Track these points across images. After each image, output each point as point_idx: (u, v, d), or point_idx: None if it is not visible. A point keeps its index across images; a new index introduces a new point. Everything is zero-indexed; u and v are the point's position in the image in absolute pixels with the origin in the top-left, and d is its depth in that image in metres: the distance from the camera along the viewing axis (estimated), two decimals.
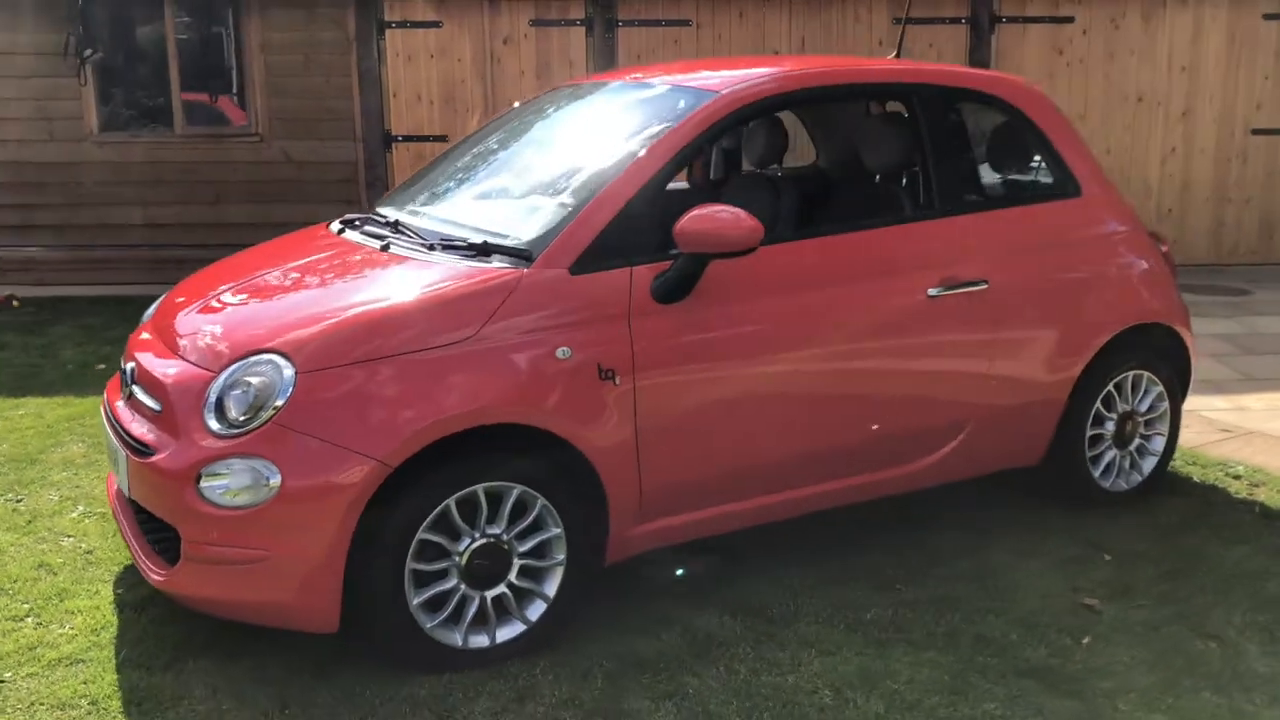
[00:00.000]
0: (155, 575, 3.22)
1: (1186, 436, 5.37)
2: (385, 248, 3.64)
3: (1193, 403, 5.82)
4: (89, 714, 3.01)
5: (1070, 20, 9.60)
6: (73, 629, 3.44)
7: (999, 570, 3.96)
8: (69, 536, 4.11)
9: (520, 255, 3.36)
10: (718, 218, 3.33)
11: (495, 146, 4.27)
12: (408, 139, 9.65)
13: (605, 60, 9.55)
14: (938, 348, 3.94)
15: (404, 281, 3.36)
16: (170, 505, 3.12)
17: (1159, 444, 4.61)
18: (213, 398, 3.12)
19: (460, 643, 3.24)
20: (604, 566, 3.53)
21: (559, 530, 3.33)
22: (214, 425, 3.09)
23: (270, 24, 9.51)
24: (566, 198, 3.54)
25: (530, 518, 3.28)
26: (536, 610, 3.35)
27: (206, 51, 9.69)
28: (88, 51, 9.29)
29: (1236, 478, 4.90)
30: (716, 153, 5.29)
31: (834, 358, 3.73)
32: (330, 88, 9.61)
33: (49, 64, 9.41)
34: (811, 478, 3.82)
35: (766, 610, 3.64)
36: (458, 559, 3.21)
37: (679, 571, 3.83)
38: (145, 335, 3.71)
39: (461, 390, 3.13)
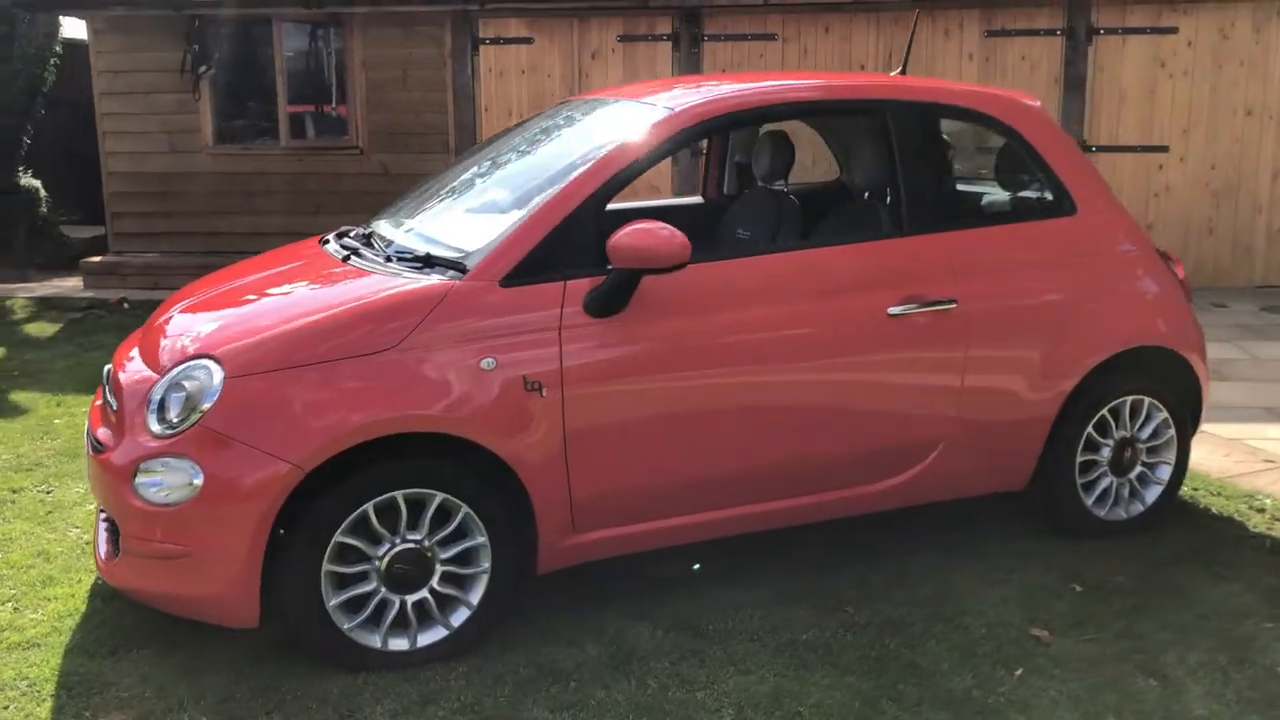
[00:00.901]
0: (101, 567, 3.46)
1: (1223, 464, 5.12)
2: (346, 259, 3.81)
3: (1243, 430, 5.56)
4: (24, 695, 3.25)
5: (1173, 31, 9.17)
6: (43, 615, 3.71)
7: (960, 596, 3.86)
8: (77, 528, 4.42)
9: (456, 268, 3.47)
10: (647, 234, 3.37)
11: (481, 163, 4.39)
12: None
13: (690, 74, 9.61)
14: (899, 366, 3.86)
15: (345, 292, 3.52)
16: (112, 500, 3.34)
17: (1164, 473, 4.39)
18: (155, 399, 3.33)
19: (380, 644, 3.36)
20: (536, 576, 3.60)
21: (484, 539, 3.41)
22: (154, 426, 3.29)
23: (371, 42, 9.95)
24: (512, 213, 3.63)
25: (453, 525, 3.38)
26: (460, 617, 3.44)
27: (312, 68, 10.19)
28: (202, 69, 9.91)
29: (1260, 511, 4.62)
30: (729, 168, 5.32)
31: (780, 374, 3.71)
32: (426, 103, 9.99)
33: (170, 80, 10.08)
34: (762, 494, 3.80)
35: (703, 626, 3.64)
36: (377, 563, 3.33)
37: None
38: (134, 340, 3.97)
39: (380, 398, 3.25)
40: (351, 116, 10.13)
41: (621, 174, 3.60)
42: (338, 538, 3.26)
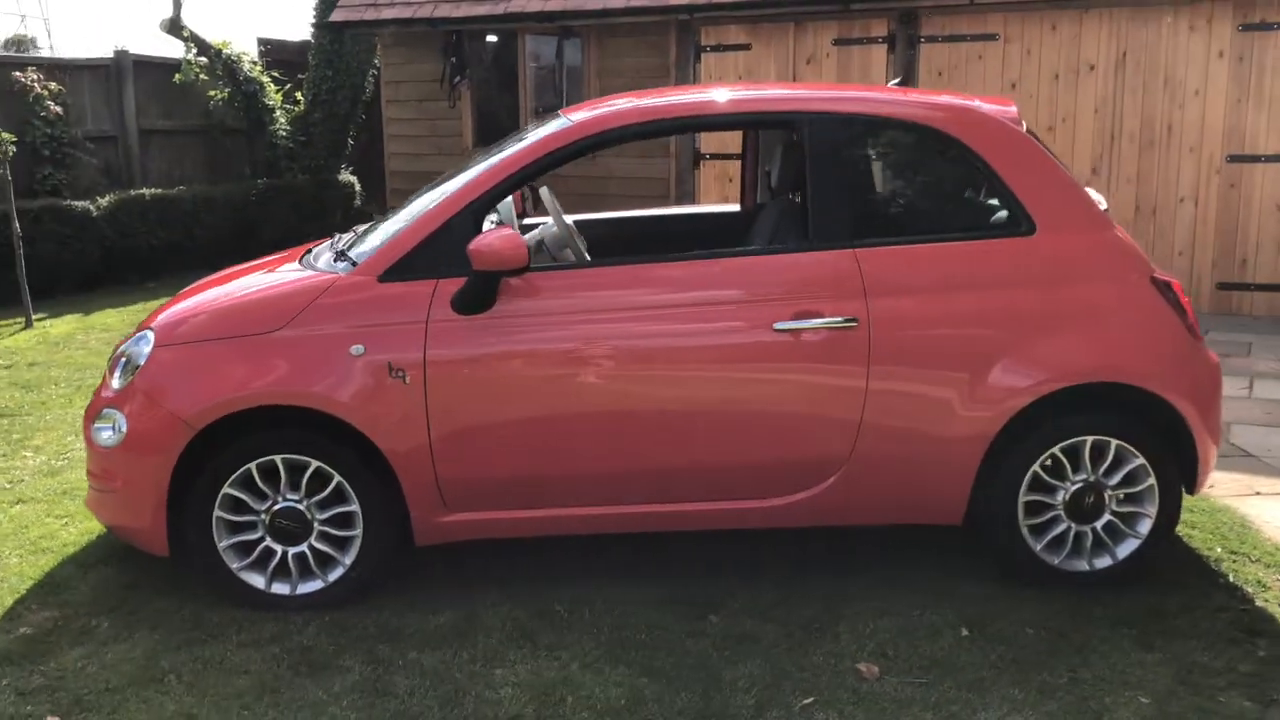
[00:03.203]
0: (87, 497, 4.21)
1: None
2: (305, 255, 4.33)
3: None
4: (9, 587, 4.06)
5: None
6: (78, 530, 4.55)
7: (834, 622, 3.75)
8: None
9: (353, 264, 3.89)
10: (491, 239, 3.62)
11: (451, 173, 4.66)
12: (713, 157, 10.21)
13: (905, 78, 9.38)
14: (786, 383, 3.81)
15: (265, 283, 4.05)
16: (85, 441, 4.08)
17: (1144, 526, 3.96)
18: (119, 360, 4.02)
19: (264, 586, 3.86)
20: (415, 547, 3.94)
21: (356, 507, 3.82)
22: (114, 382, 3.99)
23: (606, 52, 10.56)
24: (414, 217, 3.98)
25: (328, 491, 3.81)
26: (336, 573, 3.87)
27: (554, 78, 10.96)
28: (457, 79, 10.96)
29: None
30: (761, 178, 5.34)
31: (651, 381, 3.79)
32: None
33: (436, 90, 11.23)
34: (637, 496, 3.90)
35: (559, 615, 3.82)
36: (263, 516, 3.83)
37: None
38: None
39: (257, 373, 3.74)
40: None
41: (506, 182, 3.86)
42: (226, 490, 3.79)
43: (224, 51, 12.59)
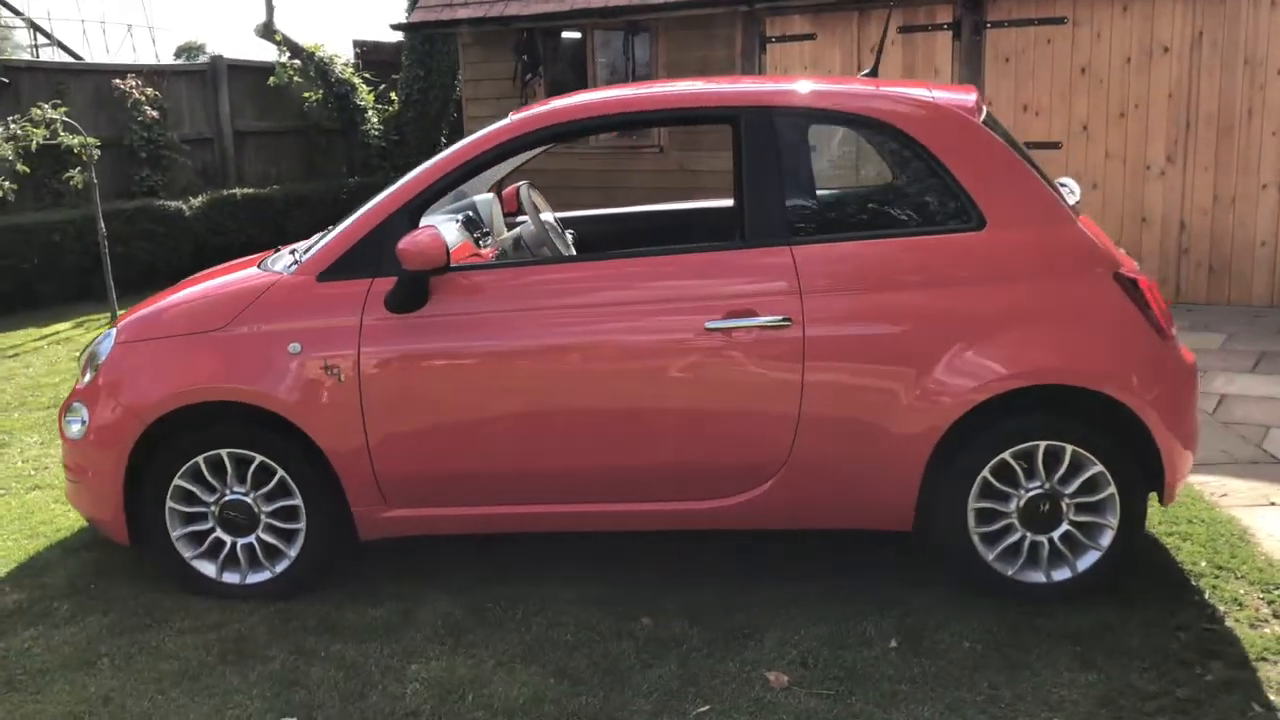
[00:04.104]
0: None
1: None
2: (267, 258, 4.45)
3: None
4: None
5: None
6: (75, 518, 4.77)
7: (764, 628, 3.67)
8: None
9: (298, 264, 3.99)
10: (418, 237, 3.65)
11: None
12: None
13: (970, 64, 9.08)
14: (718, 384, 3.74)
15: (223, 282, 4.18)
16: (59, 434, 4.29)
17: (1106, 538, 3.75)
18: (89, 357, 4.22)
19: (215, 575, 4.00)
20: (359, 542, 4.01)
21: (299, 500, 3.91)
22: (84, 378, 4.18)
23: (673, 45, 10.52)
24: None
25: (272, 484, 3.92)
26: (282, 565, 3.98)
27: (623, 74, 10.97)
28: (529, 76, 11.07)
29: (1269, 603, 3.77)
30: None
31: (581, 380, 3.77)
32: None
33: (510, 88, 11.38)
34: (576, 496, 3.88)
35: (492, 612, 3.84)
36: (213, 507, 3.96)
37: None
38: None
39: (201, 370, 3.87)
40: None
41: (441, 181, 3.89)
42: (176, 481, 3.93)
43: (316, 54, 13.01)
